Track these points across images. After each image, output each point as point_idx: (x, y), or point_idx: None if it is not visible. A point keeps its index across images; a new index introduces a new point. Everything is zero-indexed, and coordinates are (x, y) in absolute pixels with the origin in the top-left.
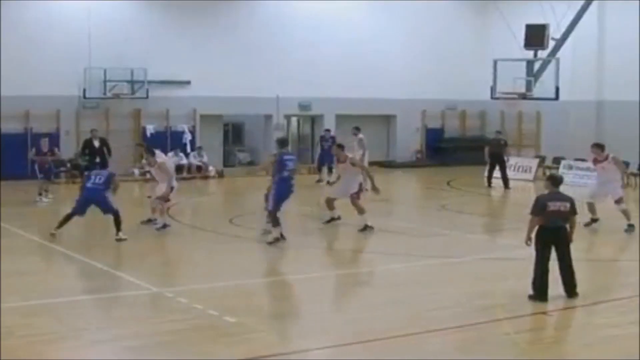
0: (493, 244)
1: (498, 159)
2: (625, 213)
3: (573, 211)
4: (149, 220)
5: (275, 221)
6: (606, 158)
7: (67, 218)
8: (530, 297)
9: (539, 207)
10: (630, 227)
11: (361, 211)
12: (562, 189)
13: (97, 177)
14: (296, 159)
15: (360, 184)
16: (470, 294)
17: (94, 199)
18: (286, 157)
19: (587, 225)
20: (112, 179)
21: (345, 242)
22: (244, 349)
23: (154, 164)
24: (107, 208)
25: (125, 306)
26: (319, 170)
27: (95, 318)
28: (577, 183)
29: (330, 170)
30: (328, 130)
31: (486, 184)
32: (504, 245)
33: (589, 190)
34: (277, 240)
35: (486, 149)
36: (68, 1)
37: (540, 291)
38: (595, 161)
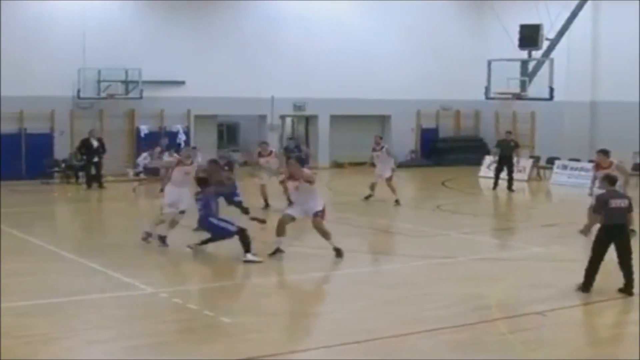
0: (488, 244)
1: (507, 161)
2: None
3: (630, 208)
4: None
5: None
6: (610, 165)
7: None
8: (578, 287)
9: (602, 204)
10: (632, 232)
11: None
12: (556, 188)
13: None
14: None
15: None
16: (465, 294)
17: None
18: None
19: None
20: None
21: (340, 243)
22: (239, 350)
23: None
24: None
25: (121, 306)
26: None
27: (90, 318)
28: (572, 183)
29: None
30: (292, 139)
31: (492, 186)
32: (499, 245)
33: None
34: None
35: (494, 150)
36: (62, 1)
37: (584, 284)
38: (599, 167)
